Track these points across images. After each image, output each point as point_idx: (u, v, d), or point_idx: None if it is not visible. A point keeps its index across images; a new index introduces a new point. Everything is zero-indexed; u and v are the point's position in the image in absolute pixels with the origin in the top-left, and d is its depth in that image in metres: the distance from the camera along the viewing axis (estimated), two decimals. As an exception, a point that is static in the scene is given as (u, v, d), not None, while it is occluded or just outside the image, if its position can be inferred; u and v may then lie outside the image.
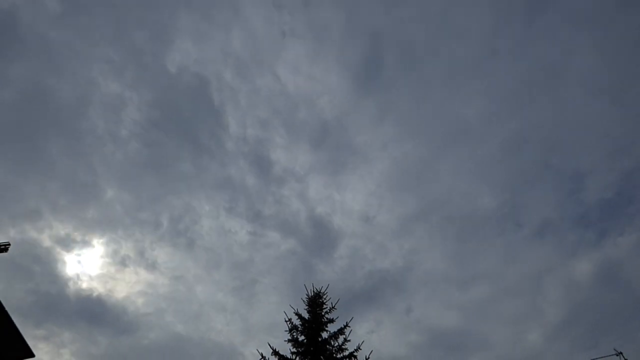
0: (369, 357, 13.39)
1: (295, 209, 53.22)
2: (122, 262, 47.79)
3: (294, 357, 13.52)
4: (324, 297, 14.96)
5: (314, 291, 15.10)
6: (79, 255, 46.84)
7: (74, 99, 46.58)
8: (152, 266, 49.08)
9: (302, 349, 13.63)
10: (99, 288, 46.71)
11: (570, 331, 42.98)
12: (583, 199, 50.05)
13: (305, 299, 15.02)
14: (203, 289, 51.25)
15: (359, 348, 13.57)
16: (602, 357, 14.84)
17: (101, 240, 46.79)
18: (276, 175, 54.15)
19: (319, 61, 55.77)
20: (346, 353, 13.61)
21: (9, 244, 11.75)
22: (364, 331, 45.79)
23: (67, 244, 44.39)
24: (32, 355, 12.70)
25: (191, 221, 51.64)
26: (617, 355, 14.40)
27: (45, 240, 42.26)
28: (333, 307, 14.56)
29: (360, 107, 55.92)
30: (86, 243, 45.78)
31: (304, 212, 53.43)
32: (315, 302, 14.77)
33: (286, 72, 56.65)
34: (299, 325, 14.28)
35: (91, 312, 43.89)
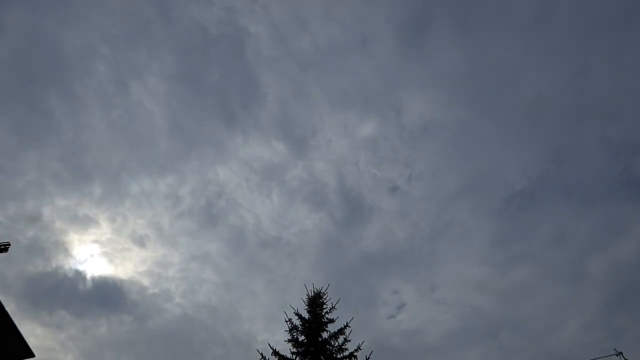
0: (369, 357, 13.42)
1: (326, 181, 49.67)
2: (140, 242, 44.01)
3: (294, 357, 13.52)
4: (324, 297, 14.98)
5: (314, 291, 15.12)
6: (84, 233, 42.35)
7: (80, 52, 41.51)
8: (169, 245, 45.63)
9: (303, 349, 13.64)
10: (108, 270, 43.47)
11: (612, 317, 40.46)
12: (636, 174, 46.03)
13: (305, 299, 15.03)
14: (226, 269, 47.78)
15: (359, 348, 13.58)
16: (602, 357, 14.84)
17: (107, 216, 42.79)
18: (308, 145, 49.91)
19: (362, 16, 49.07)
20: (346, 353, 13.63)
21: (9, 244, 11.76)
22: (388, 311, 45.08)
23: (71, 220, 40.83)
24: (32, 355, 12.70)
25: (214, 195, 47.28)
26: (617, 355, 14.40)
27: (47, 216, 39.05)
28: (333, 307, 14.58)
29: (404, 68, 49.96)
30: (91, 220, 41.79)
31: (335, 184, 49.59)
32: (316, 302, 14.79)
33: (324, 26, 49.78)
34: (299, 326, 14.29)
35: (100, 296, 40.97)
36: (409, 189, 52.06)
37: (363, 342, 13.60)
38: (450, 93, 51.14)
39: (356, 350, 13.57)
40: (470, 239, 48.35)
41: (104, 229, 42.81)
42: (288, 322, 14.31)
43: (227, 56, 47.38)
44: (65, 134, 41.42)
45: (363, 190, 50.33)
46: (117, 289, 41.79)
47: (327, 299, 14.91)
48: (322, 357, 13.41)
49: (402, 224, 50.03)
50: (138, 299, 42.25)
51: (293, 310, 14.47)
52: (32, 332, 35.75)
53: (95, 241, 42.55)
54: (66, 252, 40.43)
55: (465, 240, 48.55)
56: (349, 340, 13.78)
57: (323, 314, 14.52)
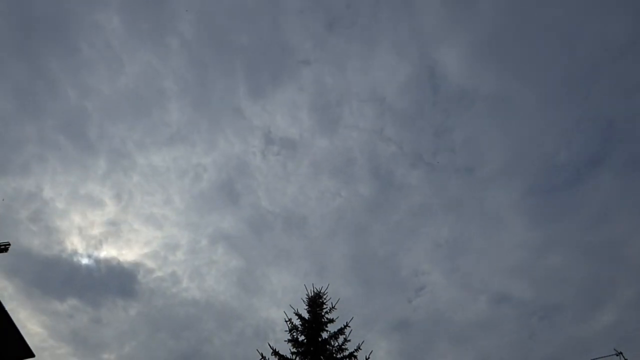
0: (369, 357, 13.42)
1: (352, 151, 46.03)
2: (147, 221, 41.33)
3: (294, 357, 13.52)
4: (324, 297, 14.97)
5: (314, 291, 15.12)
6: (88, 213, 39.91)
7: (86, 2, 37.23)
8: (180, 224, 42.74)
9: (302, 349, 13.64)
10: (112, 252, 41.11)
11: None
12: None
13: (305, 299, 15.03)
14: (246, 252, 44.75)
15: (359, 348, 13.59)
16: (602, 357, 14.84)
17: (112, 194, 40.06)
18: (333, 114, 45.61)
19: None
20: (346, 353, 13.62)
21: (9, 244, 11.78)
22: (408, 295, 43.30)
23: (74, 198, 38.32)
24: (32, 355, 12.71)
25: (232, 169, 43.65)
26: (617, 355, 14.39)
27: (47, 192, 36.81)
28: (333, 307, 14.57)
29: (444, 24, 43.85)
30: (95, 198, 39.18)
31: (361, 156, 45.82)
32: (315, 302, 14.78)
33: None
34: (299, 326, 14.29)
35: (106, 280, 39.08)
36: (440, 162, 47.69)
37: (363, 342, 13.64)
38: (493, 56, 44.93)
39: (356, 350, 13.58)
40: (505, 218, 44.47)
41: (110, 208, 40.21)
42: (288, 322, 14.33)
43: (247, 13, 41.95)
44: (66, 99, 37.26)
45: (390, 162, 46.86)
46: (122, 272, 39.78)
47: (327, 299, 14.92)
48: (322, 357, 13.41)
49: (430, 199, 46.49)
50: (145, 283, 40.03)
51: (293, 310, 14.49)
52: (31, 318, 35.03)
53: (100, 221, 40.22)
54: (69, 233, 38.21)
55: (500, 220, 44.92)
56: (349, 340, 13.79)
57: (323, 314, 14.52)
